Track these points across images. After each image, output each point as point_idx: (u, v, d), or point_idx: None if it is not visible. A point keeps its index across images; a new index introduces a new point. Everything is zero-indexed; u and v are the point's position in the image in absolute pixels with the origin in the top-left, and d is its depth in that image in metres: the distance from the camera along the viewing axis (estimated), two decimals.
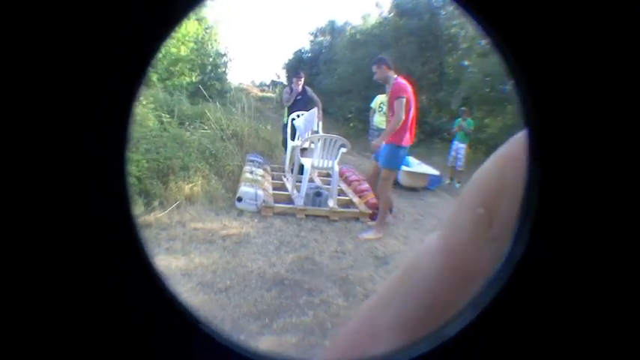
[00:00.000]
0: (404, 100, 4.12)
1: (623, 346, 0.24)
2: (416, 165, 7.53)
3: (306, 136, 5.67)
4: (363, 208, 5.18)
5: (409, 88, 4.22)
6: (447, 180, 8.16)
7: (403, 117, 4.12)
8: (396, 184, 7.06)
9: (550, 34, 0.20)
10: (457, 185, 8.08)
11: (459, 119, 8.29)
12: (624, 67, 0.21)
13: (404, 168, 7.05)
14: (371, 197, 5.33)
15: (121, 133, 0.24)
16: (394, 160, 4.40)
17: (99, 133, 0.24)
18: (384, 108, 7.79)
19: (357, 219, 5.05)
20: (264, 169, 6.10)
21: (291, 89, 6.98)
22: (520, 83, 0.20)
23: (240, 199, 4.82)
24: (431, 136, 12.06)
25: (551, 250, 0.23)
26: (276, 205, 4.94)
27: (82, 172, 0.24)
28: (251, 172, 5.52)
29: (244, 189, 4.87)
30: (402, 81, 4.24)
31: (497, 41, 0.20)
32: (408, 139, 4.29)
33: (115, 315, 0.26)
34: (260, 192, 4.91)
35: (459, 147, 8.10)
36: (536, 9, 0.20)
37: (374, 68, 4.47)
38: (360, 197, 5.49)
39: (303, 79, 6.99)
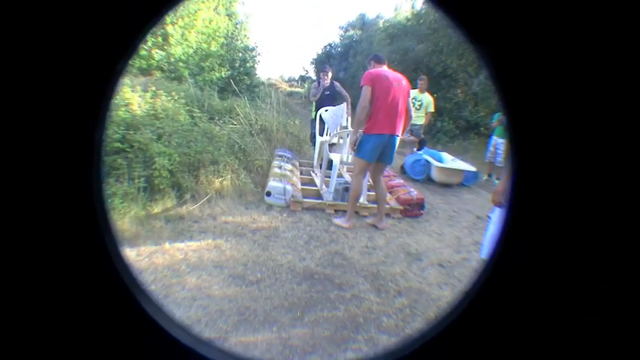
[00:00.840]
0: (365, 89, 4.10)
1: (598, 346, 0.24)
2: (450, 161, 7.40)
3: (335, 132, 5.64)
4: (393, 203, 5.12)
5: (376, 76, 4.15)
6: (484, 176, 7.96)
7: (364, 105, 4.10)
8: (429, 179, 6.97)
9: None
10: (496, 182, 7.85)
11: (498, 113, 8.05)
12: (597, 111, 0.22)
13: (437, 164, 6.94)
14: (402, 193, 5.27)
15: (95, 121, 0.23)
16: (359, 148, 4.30)
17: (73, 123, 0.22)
18: (416, 103, 7.72)
19: (387, 214, 4.99)
20: (293, 164, 6.10)
21: (319, 84, 6.95)
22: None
23: (268, 194, 4.82)
24: (467, 131, 11.84)
25: (527, 257, 0.24)
26: (304, 199, 4.92)
27: (51, 162, 0.22)
28: (280, 167, 5.52)
29: (273, 184, 4.88)
30: (373, 70, 4.22)
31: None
32: (377, 128, 4.16)
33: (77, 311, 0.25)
34: (289, 187, 4.90)
35: (499, 142, 7.86)
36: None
37: (368, 66, 4.47)
38: (390, 193, 5.42)
39: (330, 74, 6.95)
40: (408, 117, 4.38)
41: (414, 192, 5.36)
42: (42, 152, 0.22)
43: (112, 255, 0.24)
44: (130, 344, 0.26)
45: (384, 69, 4.30)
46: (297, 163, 6.41)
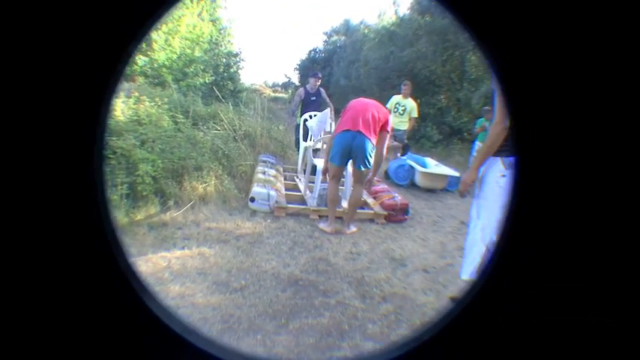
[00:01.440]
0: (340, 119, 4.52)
1: (598, 346, 0.24)
2: (434, 166, 7.45)
3: (319, 137, 5.65)
4: (377, 209, 5.13)
5: (351, 101, 4.55)
6: None
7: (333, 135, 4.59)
8: (413, 185, 7.01)
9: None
10: None
11: (482, 119, 8.10)
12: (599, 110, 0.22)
13: (421, 169, 6.98)
14: (386, 198, 5.29)
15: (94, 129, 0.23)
16: (329, 153, 4.55)
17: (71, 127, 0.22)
18: (400, 108, 7.78)
19: (371, 220, 5.01)
20: (277, 170, 6.09)
21: (305, 89, 6.96)
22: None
23: (252, 200, 4.80)
24: (450, 136, 11.93)
25: (527, 259, 0.24)
26: (288, 205, 4.91)
27: (54, 166, 0.22)
28: (263, 173, 5.51)
29: (257, 190, 4.86)
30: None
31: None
32: (340, 128, 4.39)
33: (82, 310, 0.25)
34: (272, 192, 4.89)
35: None
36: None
37: None
38: (374, 198, 5.44)
39: (320, 81, 7.00)
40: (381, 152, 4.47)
41: (398, 197, 5.38)
42: (43, 154, 0.22)
43: (116, 254, 0.24)
44: (135, 342, 0.26)
45: None
46: (281, 169, 6.40)
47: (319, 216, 4.84)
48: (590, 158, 0.22)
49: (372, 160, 4.33)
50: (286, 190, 5.52)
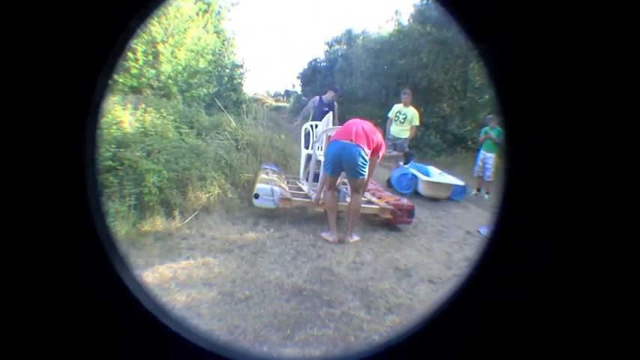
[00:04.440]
0: None
1: (597, 346, 0.24)
2: (437, 175, 7.42)
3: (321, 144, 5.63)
4: (383, 204, 5.15)
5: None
6: (473, 190, 7.96)
7: None
8: (417, 194, 7.00)
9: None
10: (486, 196, 7.85)
11: (486, 127, 8.07)
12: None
13: (424, 178, 6.97)
14: (392, 200, 5.31)
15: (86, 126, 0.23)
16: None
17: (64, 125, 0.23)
18: (400, 117, 7.78)
19: (376, 215, 5.09)
20: (279, 176, 6.09)
21: (321, 99, 6.96)
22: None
23: (257, 196, 4.80)
24: (454, 145, 11.93)
25: (516, 260, 0.25)
26: (294, 198, 4.92)
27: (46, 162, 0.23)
28: (267, 174, 5.52)
29: (261, 186, 4.87)
30: None
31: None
32: (332, 139, 4.56)
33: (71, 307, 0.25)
34: (276, 188, 4.87)
35: (487, 156, 7.86)
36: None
37: None
38: (379, 198, 5.47)
39: (336, 95, 7.05)
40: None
41: (403, 200, 5.39)
42: (34, 165, 0.23)
43: (112, 261, 0.25)
44: (134, 347, 0.26)
45: None
46: (284, 176, 6.40)
47: (324, 210, 4.84)
48: (583, 160, 0.22)
49: (366, 170, 4.36)
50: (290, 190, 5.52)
